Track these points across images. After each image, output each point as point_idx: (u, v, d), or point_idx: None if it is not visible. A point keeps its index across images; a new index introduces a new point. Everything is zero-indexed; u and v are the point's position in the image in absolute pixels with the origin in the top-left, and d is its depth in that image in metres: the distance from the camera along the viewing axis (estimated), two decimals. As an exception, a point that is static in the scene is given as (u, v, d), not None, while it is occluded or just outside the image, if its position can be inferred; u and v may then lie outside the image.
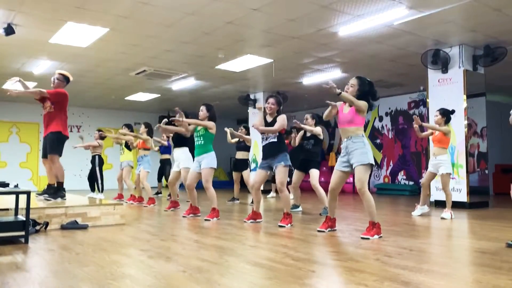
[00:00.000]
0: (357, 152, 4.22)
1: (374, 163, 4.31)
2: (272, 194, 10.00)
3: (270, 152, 5.14)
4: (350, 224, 5.26)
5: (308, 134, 6.55)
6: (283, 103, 5.52)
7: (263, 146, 5.22)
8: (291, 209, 6.71)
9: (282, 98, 5.47)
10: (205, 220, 5.64)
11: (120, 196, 8.77)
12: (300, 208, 6.80)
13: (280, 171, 5.06)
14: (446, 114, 6.06)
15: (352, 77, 4.46)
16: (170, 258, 3.28)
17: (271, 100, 5.26)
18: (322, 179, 11.02)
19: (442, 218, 5.81)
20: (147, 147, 8.20)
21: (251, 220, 5.42)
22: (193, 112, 8.00)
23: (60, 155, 5.42)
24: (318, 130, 6.48)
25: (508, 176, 11.35)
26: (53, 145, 5.34)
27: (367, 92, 4.35)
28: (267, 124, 5.25)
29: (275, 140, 5.14)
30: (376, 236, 4.19)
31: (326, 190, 6.16)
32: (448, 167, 5.97)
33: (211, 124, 5.88)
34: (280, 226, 5.01)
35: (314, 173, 6.39)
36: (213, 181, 5.88)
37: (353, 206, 7.87)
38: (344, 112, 4.39)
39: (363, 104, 4.26)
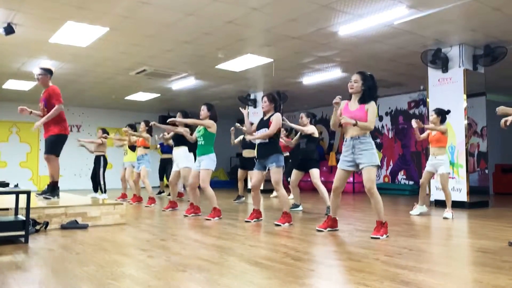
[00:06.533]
0: (367, 153, 4.18)
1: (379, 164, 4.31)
2: (275, 193, 9.91)
3: (262, 153, 5.18)
4: (350, 223, 5.26)
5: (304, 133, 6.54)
6: (283, 103, 5.53)
7: (257, 146, 5.27)
8: (291, 209, 6.72)
9: (282, 98, 5.49)
10: (206, 219, 5.64)
11: (124, 196, 8.77)
12: (300, 208, 6.80)
13: (273, 172, 5.08)
14: (442, 114, 6.11)
15: (354, 74, 4.40)
16: (170, 258, 3.28)
17: (264, 98, 5.32)
18: (322, 178, 10.94)
19: (445, 218, 5.81)
20: (147, 145, 8.18)
21: (255, 220, 5.42)
22: (193, 111, 8.01)
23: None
24: (310, 129, 6.46)
25: (508, 176, 11.36)
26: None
27: (371, 85, 4.27)
28: (262, 122, 5.28)
29: (266, 140, 5.17)
30: (384, 236, 4.18)
31: (327, 189, 6.19)
32: (447, 166, 6.04)
33: (209, 123, 5.87)
34: (276, 225, 5.03)
35: (314, 172, 6.36)
36: (213, 181, 5.88)
37: (353, 206, 7.87)
38: (351, 110, 4.30)
39: (374, 114, 4.24)
